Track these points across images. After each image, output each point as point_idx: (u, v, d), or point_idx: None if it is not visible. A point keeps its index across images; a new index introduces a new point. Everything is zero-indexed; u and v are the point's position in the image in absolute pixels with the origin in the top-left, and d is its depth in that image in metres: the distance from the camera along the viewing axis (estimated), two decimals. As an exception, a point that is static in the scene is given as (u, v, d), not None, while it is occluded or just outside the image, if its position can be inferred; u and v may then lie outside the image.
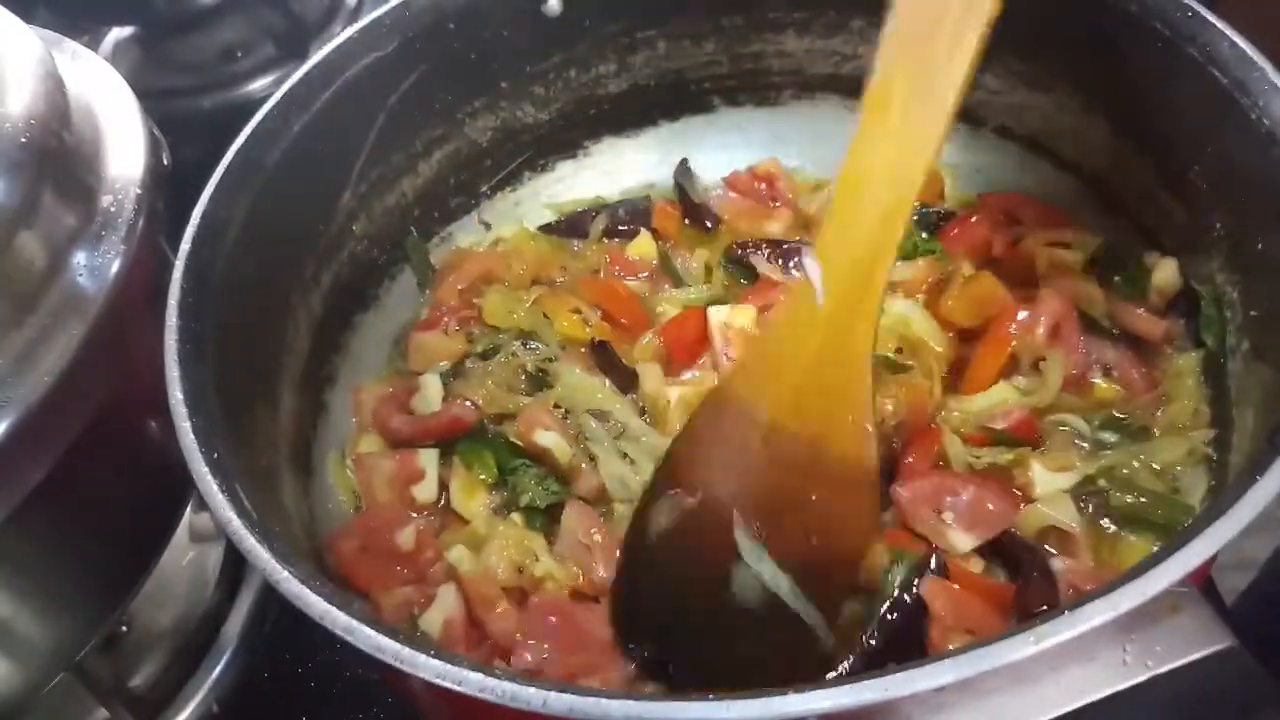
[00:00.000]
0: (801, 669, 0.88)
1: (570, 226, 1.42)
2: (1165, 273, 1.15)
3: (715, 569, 0.89)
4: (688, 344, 1.21)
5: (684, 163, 1.45)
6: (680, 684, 0.90)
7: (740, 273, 1.33)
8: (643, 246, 1.36)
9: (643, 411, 1.17)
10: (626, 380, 1.19)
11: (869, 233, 0.82)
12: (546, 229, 1.43)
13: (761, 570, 0.88)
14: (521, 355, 1.23)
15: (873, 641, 0.93)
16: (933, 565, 0.97)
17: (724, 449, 0.93)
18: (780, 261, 1.29)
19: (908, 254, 1.28)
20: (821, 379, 0.86)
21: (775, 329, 0.90)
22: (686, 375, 1.20)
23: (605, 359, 1.20)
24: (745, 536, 0.88)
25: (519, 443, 1.13)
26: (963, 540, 1.01)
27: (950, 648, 0.90)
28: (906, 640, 0.94)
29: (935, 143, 0.80)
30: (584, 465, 1.11)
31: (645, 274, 1.34)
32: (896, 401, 1.10)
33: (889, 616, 0.95)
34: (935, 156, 0.81)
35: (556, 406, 1.17)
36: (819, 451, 0.87)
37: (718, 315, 1.20)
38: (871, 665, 0.91)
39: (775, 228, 1.39)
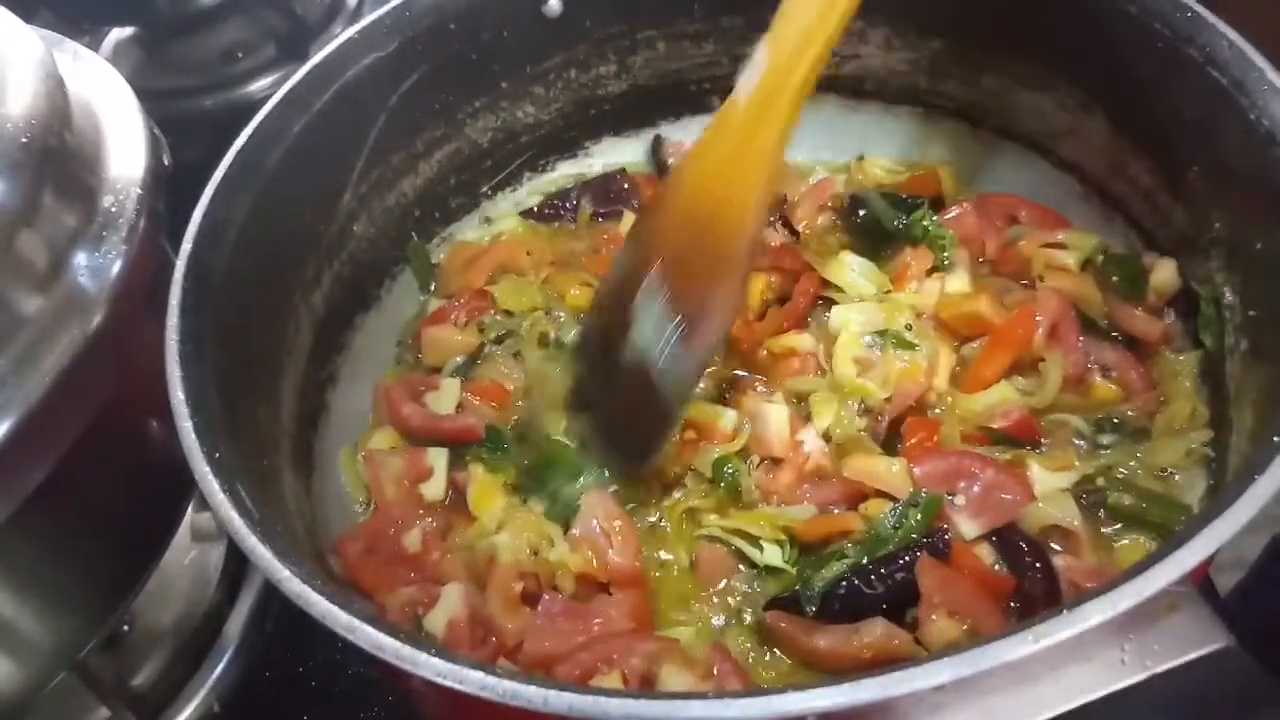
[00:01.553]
0: (650, 432, 1.09)
1: (552, 208, 1.43)
2: (1164, 273, 1.15)
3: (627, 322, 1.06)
4: None
5: (657, 139, 1.47)
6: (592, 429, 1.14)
7: None
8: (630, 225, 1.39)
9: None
10: None
11: (790, 51, 0.97)
12: (527, 214, 1.44)
13: (646, 302, 1.04)
14: (543, 323, 1.25)
15: (874, 589, 0.97)
16: (938, 544, 0.98)
17: (657, 219, 1.11)
18: None
19: (917, 237, 1.28)
20: (729, 164, 1.02)
21: (710, 127, 1.05)
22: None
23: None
24: (652, 275, 1.05)
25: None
26: (968, 527, 1.01)
27: (933, 628, 0.92)
28: (903, 599, 0.96)
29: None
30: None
31: None
32: (888, 377, 1.12)
33: (897, 575, 0.96)
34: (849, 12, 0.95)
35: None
36: (713, 222, 1.03)
37: None
38: (869, 612, 0.95)
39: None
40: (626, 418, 1.11)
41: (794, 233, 1.33)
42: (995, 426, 1.10)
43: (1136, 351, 1.15)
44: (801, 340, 1.19)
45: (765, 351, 1.20)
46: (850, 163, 1.43)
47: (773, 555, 1.05)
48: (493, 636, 1.01)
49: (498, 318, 1.29)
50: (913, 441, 1.10)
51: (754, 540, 1.06)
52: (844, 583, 0.98)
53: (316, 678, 1.29)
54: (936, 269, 1.24)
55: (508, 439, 1.17)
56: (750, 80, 0.98)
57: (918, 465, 1.05)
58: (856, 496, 1.07)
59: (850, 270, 1.24)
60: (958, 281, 1.22)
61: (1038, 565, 0.98)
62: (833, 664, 0.95)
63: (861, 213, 1.32)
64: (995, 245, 1.27)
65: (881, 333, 1.16)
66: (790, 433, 1.11)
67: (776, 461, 1.10)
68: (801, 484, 1.09)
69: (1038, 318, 1.14)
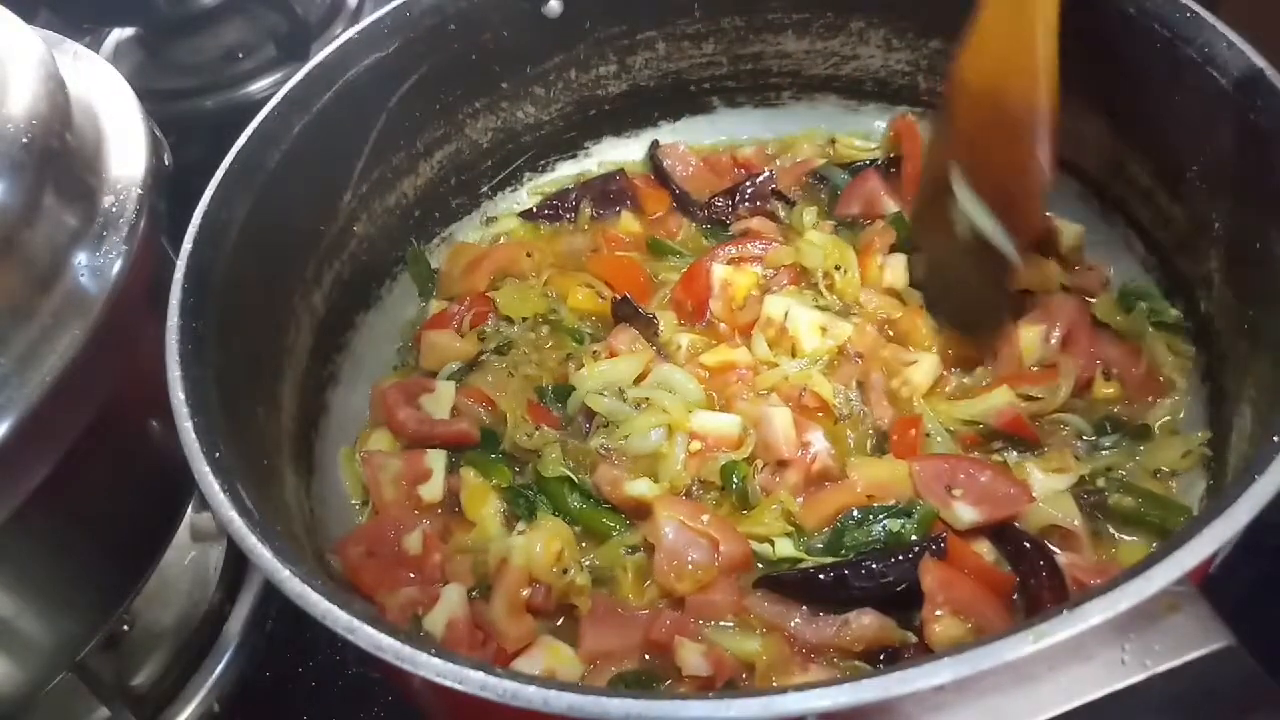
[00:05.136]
0: (998, 284, 1.14)
1: (552, 208, 1.44)
2: (1070, 233, 1.21)
3: (947, 211, 1.15)
4: (700, 292, 1.27)
5: (654, 144, 1.47)
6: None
7: (717, 231, 1.39)
8: (629, 225, 1.40)
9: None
10: (649, 329, 1.23)
11: None
12: (527, 214, 1.44)
13: (965, 201, 1.12)
14: (542, 356, 1.24)
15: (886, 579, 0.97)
16: (933, 546, 0.98)
17: (951, 117, 1.15)
18: (746, 205, 1.39)
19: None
20: (1006, 40, 1.04)
21: (977, 20, 1.08)
22: (699, 326, 1.28)
23: (628, 309, 1.25)
24: (957, 178, 1.12)
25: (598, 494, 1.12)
26: (966, 512, 1.01)
27: (937, 627, 0.92)
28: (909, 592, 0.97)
29: None
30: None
31: (631, 244, 1.39)
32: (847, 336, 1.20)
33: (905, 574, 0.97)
34: None
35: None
36: (1000, 97, 1.05)
37: (719, 272, 1.26)
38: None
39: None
40: (966, 286, 1.18)
41: (787, 201, 1.39)
42: (984, 423, 1.10)
43: (1136, 352, 1.14)
44: (738, 354, 1.20)
45: (702, 366, 1.20)
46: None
47: (785, 547, 1.05)
48: (493, 641, 1.00)
49: (499, 327, 1.28)
50: (901, 440, 1.10)
51: (763, 539, 1.06)
52: (832, 571, 0.98)
53: (316, 678, 1.28)
54: (898, 248, 1.27)
55: (502, 443, 1.17)
56: None
57: (918, 464, 1.06)
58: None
59: (815, 248, 1.28)
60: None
61: (1042, 562, 0.97)
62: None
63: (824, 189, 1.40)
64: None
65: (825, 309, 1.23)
66: (797, 434, 1.10)
67: (782, 464, 1.10)
68: (808, 486, 1.09)
69: (1056, 326, 1.15)
